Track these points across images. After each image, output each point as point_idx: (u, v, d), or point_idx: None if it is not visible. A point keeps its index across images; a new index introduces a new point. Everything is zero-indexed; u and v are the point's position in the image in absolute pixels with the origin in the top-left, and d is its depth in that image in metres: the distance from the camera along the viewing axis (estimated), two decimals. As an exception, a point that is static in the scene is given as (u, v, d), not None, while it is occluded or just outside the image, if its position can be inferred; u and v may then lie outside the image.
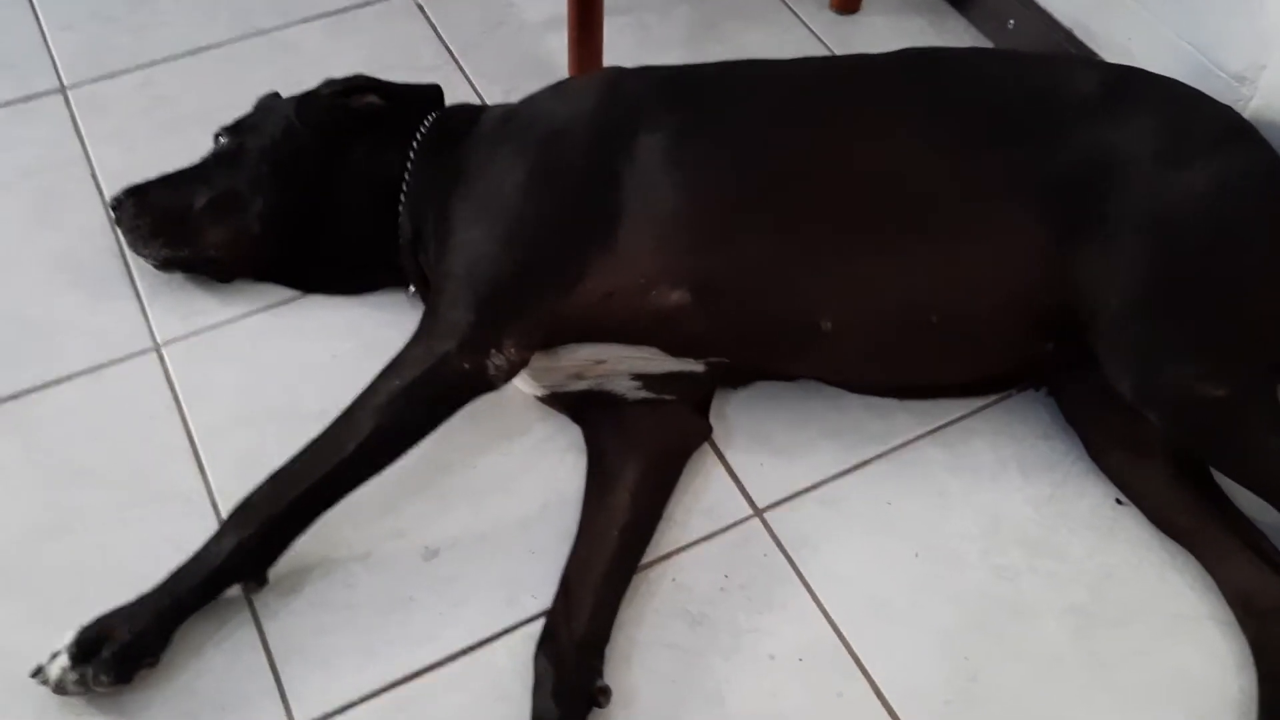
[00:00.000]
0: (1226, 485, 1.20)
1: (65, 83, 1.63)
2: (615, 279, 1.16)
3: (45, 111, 1.59)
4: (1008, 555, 1.20)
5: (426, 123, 1.33)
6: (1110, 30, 1.53)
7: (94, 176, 1.51)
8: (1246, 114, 1.34)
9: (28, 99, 1.61)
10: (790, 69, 1.32)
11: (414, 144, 1.31)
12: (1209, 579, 1.17)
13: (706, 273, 1.16)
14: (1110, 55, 1.52)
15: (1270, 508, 1.12)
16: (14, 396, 1.30)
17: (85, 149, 1.55)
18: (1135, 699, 1.10)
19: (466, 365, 1.12)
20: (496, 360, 1.13)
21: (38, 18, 1.72)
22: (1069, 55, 1.55)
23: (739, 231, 1.17)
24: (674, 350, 1.21)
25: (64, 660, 1.04)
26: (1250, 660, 1.11)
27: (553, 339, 1.19)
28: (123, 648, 1.04)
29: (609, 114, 1.24)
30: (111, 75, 1.64)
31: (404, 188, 1.30)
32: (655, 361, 1.23)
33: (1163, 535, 1.20)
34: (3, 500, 1.21)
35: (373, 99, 1.36)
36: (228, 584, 1.11)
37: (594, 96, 1.27)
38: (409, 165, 1.31)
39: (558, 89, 1.34)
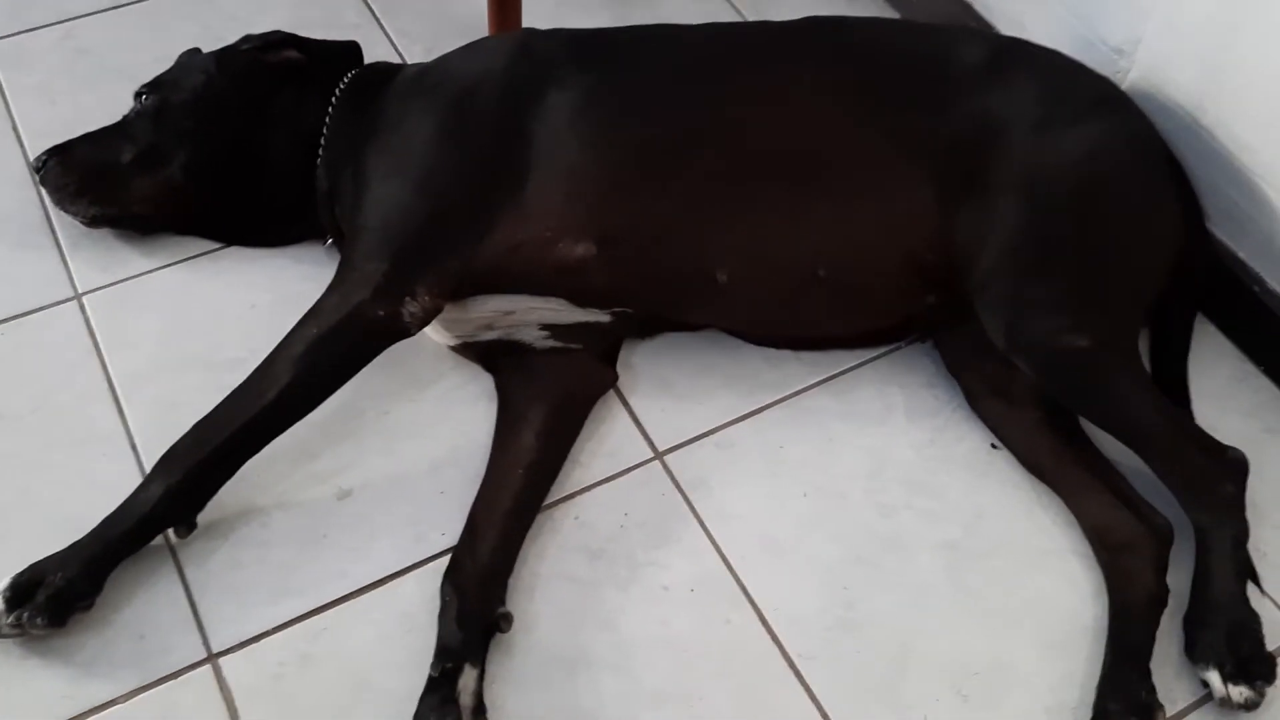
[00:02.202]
0: (1091, 432, 1.29)
1: (-15, 35, 1.65)
2: (523, 231, 1.22)
3: (-35, 64, 1.61)
4: (889, 494, 1.28)
5: (345, 80, 1.37)
6: (1004, 3, 1.61)
7: (15, 129, 1.53)
8: (1125, 85, 1.42)
9: (-53, 51, 1.62)
10: (696, 34, 1.37)
11: (332, 100, 1.36)
12: (1072, 516, 1.26)
13: (609, 227, 1.22)
14: (1004, 27, 1.59)
15: (1130, 451, 1.22)
16: (-66, 343, 1.33)
17: (6, 101, 1.56)
18: (997, 624, 1.19)
19: (381, 313, 1.17)
20: (410, 307, 1.18)
21: (-44, -30, 1.72)
22: (962, 27, 1.62)
23: (640, 188, 1.24)
24: (580, 301, 1.27)
25: None
26: (1105, 590, 1.20)
27: (464, 289, 1.24)
28: (57, 592, 1.08)
29: (519, 73, 1.28)
30: (33, 29, 1.65)
31: (322, 142, 1.34)
32: (562, 312, 1.29)
33: (1032, 477, 1.29)
34: (-76, 443, 1.25)
35: (291, 54, 1.40)
36: (157, 530, 1.15)
37: (505, 55, 1.31)
38: (327, 120, 1.35)
39: (470, 48, 1.38)
